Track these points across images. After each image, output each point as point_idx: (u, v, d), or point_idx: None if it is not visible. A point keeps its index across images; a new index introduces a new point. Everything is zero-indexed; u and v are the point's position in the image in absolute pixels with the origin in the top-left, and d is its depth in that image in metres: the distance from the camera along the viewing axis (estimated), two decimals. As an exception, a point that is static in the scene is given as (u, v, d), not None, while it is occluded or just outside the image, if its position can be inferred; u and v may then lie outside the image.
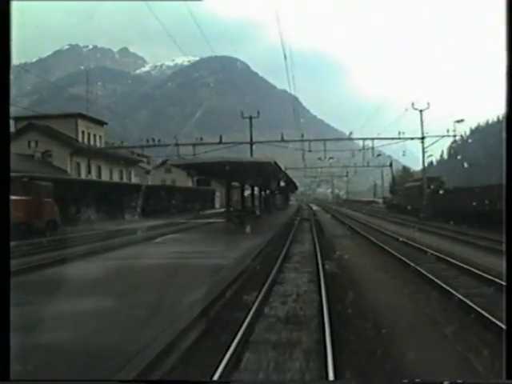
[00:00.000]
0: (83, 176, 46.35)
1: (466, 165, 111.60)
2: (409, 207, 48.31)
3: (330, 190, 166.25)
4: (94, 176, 48.88)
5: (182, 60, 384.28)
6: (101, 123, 52.35)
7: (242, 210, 35.45)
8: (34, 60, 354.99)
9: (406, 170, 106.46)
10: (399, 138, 40.13)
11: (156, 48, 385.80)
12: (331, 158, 42.79)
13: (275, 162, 26.06)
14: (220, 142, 39.20)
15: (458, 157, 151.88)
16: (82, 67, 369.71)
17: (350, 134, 39.77)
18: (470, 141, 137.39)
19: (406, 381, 4.90)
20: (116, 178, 54.09)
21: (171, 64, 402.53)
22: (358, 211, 63.73)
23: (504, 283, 2.79)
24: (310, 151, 40.76)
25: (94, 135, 49.97)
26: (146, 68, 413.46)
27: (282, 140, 39.71)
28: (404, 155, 41.30)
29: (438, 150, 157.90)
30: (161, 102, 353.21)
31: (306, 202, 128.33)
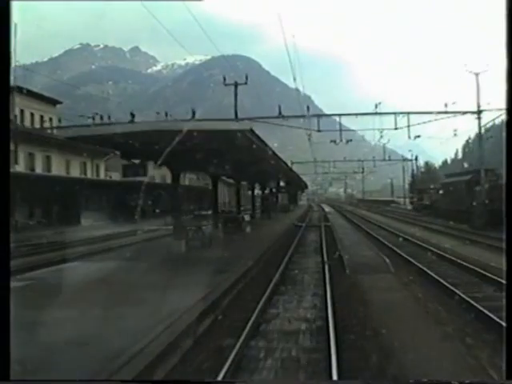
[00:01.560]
0: (21, 169, 34.27)
1: (466, 165, 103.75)
2: (448, 209, 35.50)
3: (342, 189, 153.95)
4: (39, 169, 36.82)
5: (194, 59, 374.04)
6: (52, 102, 40.13)
7: (215, 214, 23.06)
8: (45, 59, 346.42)
9: (428, 165, 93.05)
10: (446, 113, 27.33)
11: (167, 47, 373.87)
12: (349, 140, 30.02)
13: (252, 130, 13.59)
14: (193, 118, 26.81)
15: (460, 157, 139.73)
16: (94, 66, 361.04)
17: (377, 105, 27.13)
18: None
19: (412, 381, 4.60)
20: (76, 173, 41.91)
21: (182, 63, 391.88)
22: (380, 214, 50.78)
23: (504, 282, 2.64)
24: (319, 131, 28.18)
25: (41, 117, 37.78)
26: (158, 67, 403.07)
27: (280, 115, 27.24)
28: (456, 135, 28.58)
29: (452, 149, 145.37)
30: (172, 100, 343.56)
31: (317, 202, 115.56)
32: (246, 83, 27.99)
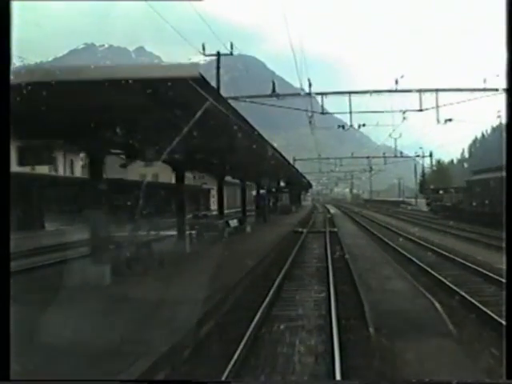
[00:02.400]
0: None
1: (465, 165, 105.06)
2: (478, 212, 29.14)
3: (347, 189, 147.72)
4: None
5: (199, 59, 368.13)
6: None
7: (180, 219, 16.84)
8: (49, 59, 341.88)
9: (440, 164, 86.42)
10: (484, 90, 21.02)
11: (172, 47, 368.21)
12: (362, 125, 23.71)
13: (203, 79, 7.46)
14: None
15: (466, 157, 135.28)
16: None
17: (397, 81, 20.85)
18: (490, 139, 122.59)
19: (414, 380, 4.41)
20: (44, 170, 35.78)
21: (188, 63, 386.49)
22: (392, 216, 44.42)
23: (504, 281, 2.52)
24: (323, 113, 21.93)
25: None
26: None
27: (274, 94, 21.10)
28: (499, 117, 22.57)
29: (459, 149, 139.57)
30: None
31: (322, 203, 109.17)
32: (231, 54, 21.85)
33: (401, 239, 22.04)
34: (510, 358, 2.40)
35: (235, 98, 21.54)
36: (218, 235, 19.41)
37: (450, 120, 21.96)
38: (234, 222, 23.92)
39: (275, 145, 25.45)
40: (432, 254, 16.65)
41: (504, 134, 2.46)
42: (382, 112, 23.15)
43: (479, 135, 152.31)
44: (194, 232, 18.53)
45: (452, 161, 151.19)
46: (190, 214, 25.57)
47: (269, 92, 23.94)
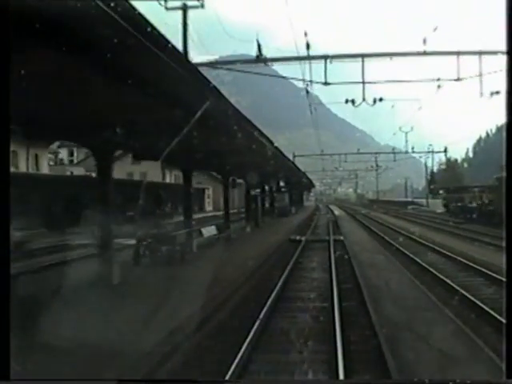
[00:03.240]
0: None
1: (465, 165, 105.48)
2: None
3: (351, 190, 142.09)
4: None
5: (201, 59, 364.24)
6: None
7: (106, 229, 11.25)
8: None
9: (451, 162, 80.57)
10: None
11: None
12: (379, 99, 17.71)
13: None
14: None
15: (465, 165, 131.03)
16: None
17: (425, 41, 15.31)
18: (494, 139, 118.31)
19: (415, 380, 4.42)
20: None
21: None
22: (407, 220, 38.49)
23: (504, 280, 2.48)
24: (326, 84, 16.05)
25: None
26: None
27: (260, 59, 15.50)
28: None
29: (463, 149, 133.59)
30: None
31: (325, 203, 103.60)
32: (202, 6, 16.23)
33: (434, 255, 16.33)
34: (510, 357, 2.34)
35: (211, 65, 15.98)
36: (179, 250, 13.76)
37: (498, 93, 16.29)
38: (210, 230, 18.28)
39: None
40: (487, 283, 10.93)
41: (504, 135, 2.40)
42: (406, 81, 17.55)
43: (483, 134, 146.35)
44: (142, 246, 12.94)
45: (456, 160, 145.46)
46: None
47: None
